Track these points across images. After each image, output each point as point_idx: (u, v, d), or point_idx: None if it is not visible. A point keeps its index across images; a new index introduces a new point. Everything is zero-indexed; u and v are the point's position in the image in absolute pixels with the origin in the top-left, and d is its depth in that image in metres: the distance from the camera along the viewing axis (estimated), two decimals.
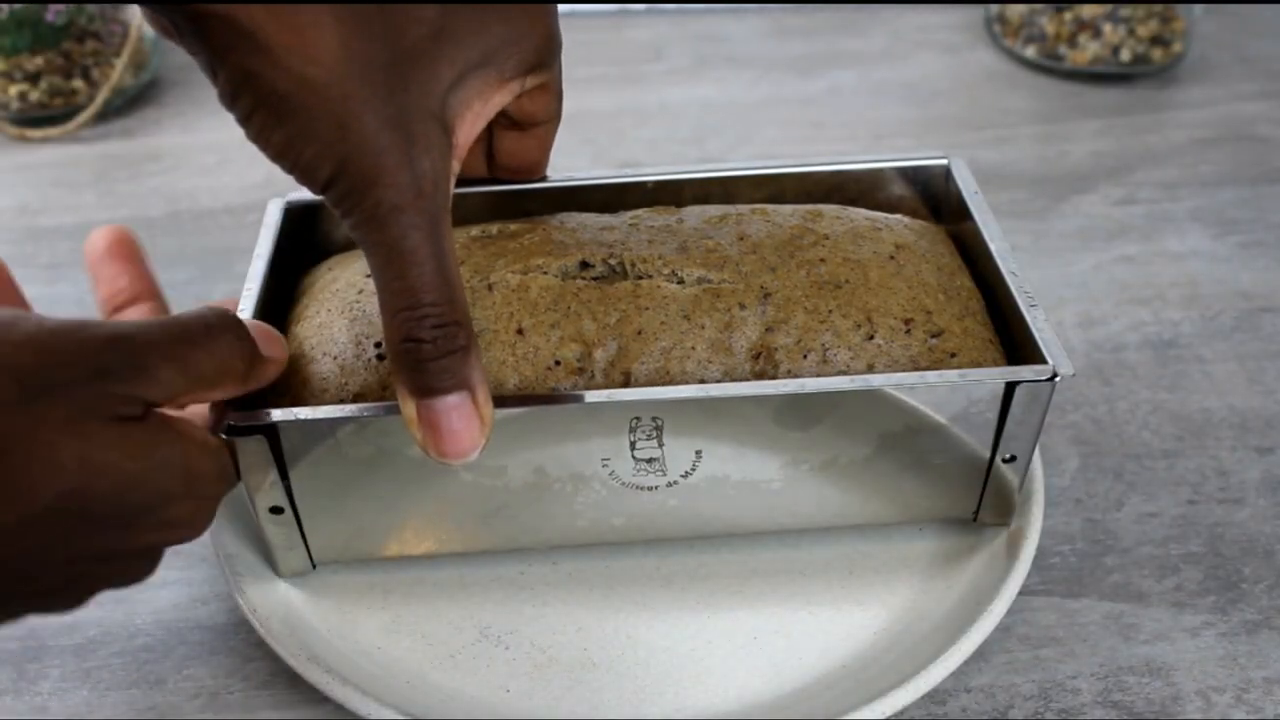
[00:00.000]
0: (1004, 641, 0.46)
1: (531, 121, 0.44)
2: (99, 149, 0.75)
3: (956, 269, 0.47)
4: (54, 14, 0.74)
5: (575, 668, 0.44)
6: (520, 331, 0.43)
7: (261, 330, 0.40)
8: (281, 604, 0.44)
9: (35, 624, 0.47)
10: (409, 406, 0.38)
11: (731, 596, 0.46)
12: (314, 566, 0.46)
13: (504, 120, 0.44)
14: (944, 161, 0.50)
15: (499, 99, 0.40)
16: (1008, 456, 0.44)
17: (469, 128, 0.39)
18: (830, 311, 0.43)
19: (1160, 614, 0.47)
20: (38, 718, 0.44)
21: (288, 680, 0.45)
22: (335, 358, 0.43)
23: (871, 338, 0.43)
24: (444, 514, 0.45)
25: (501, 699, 0.43)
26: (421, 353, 0.36)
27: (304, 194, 0.49)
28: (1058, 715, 0.43)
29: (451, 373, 0.37)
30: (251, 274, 0.45)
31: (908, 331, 0.44)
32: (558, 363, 0.43)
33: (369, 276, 0.45)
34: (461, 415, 0.38)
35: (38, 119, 0.76)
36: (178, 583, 0.48)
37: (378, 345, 0.43)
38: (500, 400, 0.41)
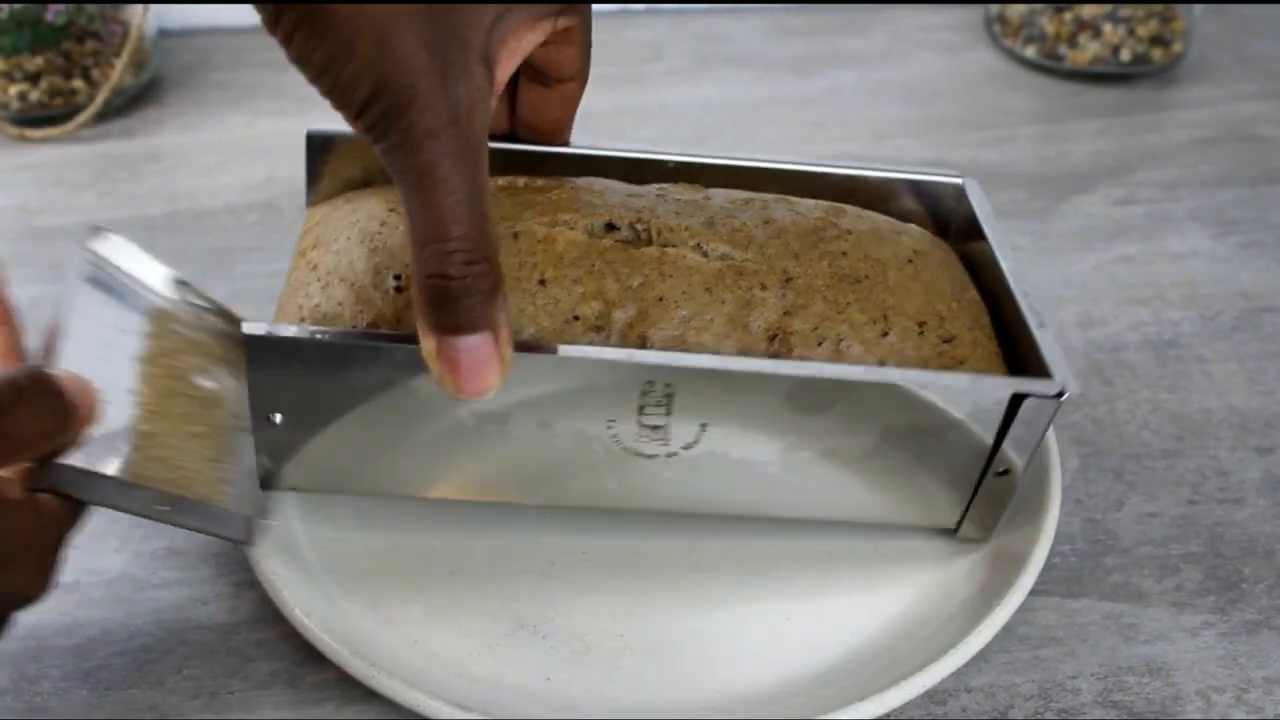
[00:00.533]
0: (1004, 641, 0.46)
1: (558, 75, 0.44)
2: (99, 149, 0.75)
3: (966, 283, 0.47)
4: (54, 14, 0.74)
5: (614, 654, 0.44)
6: (543, 282, 0.43)
7: (74, 383, 0.39)
8: (320, 600, 0.44)
9: (35, 623, 0.47)
10: (429, 341, 0.37)
11: (761, 579, 0.47)
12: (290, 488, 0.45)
13: (530, 73, 0.44)
14: (959, 181, 0.50)
15: (532, 38, 0.40)
16: (1001, 470, 0.44)
17: (505, 66, 0.39)
18: (849, 304, 0.44)
19: (1160, 614, 0.47)
20: (38, 718, 0.44)
21: (288, 680, 0.45)
22: (352, 284, 0.43)
23: (886, 335, 0.43)
24: (434, 459, 0.45)
25: (544, 687, 0.43)
26: (449, 290, 0.36)
27: (330, 129, 0.48)
28: (1058, 715, 0.44)
29: (477, 313, 0.37)
30: (66, 337, 0.42)
31: (920, 333, 0.44)
32: (576, 318, 0.43)
33: (392, 210, 0.45)
34: (482, 354, 0.37)
35: (38, 119, 0.76)
36: (178, 583, 0.48)
37: (397, 278, 0.43)
38: (520, 344, 0.41)
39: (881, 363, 0.43)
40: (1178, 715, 0.44)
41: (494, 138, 0.47)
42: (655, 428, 0.43)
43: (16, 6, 0.73)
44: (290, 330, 0.41)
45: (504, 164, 0.48)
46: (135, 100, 0.79)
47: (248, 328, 0.40)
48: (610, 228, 0.45)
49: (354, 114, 0.36)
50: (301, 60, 0.36)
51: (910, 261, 0.46)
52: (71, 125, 0.75)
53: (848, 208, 0.48)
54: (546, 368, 0.41)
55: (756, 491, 0.46)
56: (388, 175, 0.50)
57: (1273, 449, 0.54)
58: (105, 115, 0.77)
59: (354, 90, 0.35)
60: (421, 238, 0.36)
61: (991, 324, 0.46)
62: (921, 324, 0.44)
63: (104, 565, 0.49)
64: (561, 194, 0.46)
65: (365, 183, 0.50)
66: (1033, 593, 0.47)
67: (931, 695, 0.44)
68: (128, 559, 0.49)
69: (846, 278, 0.44)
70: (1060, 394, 0.42)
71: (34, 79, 0.75)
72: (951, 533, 0.47)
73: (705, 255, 0.44)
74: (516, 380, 0.41)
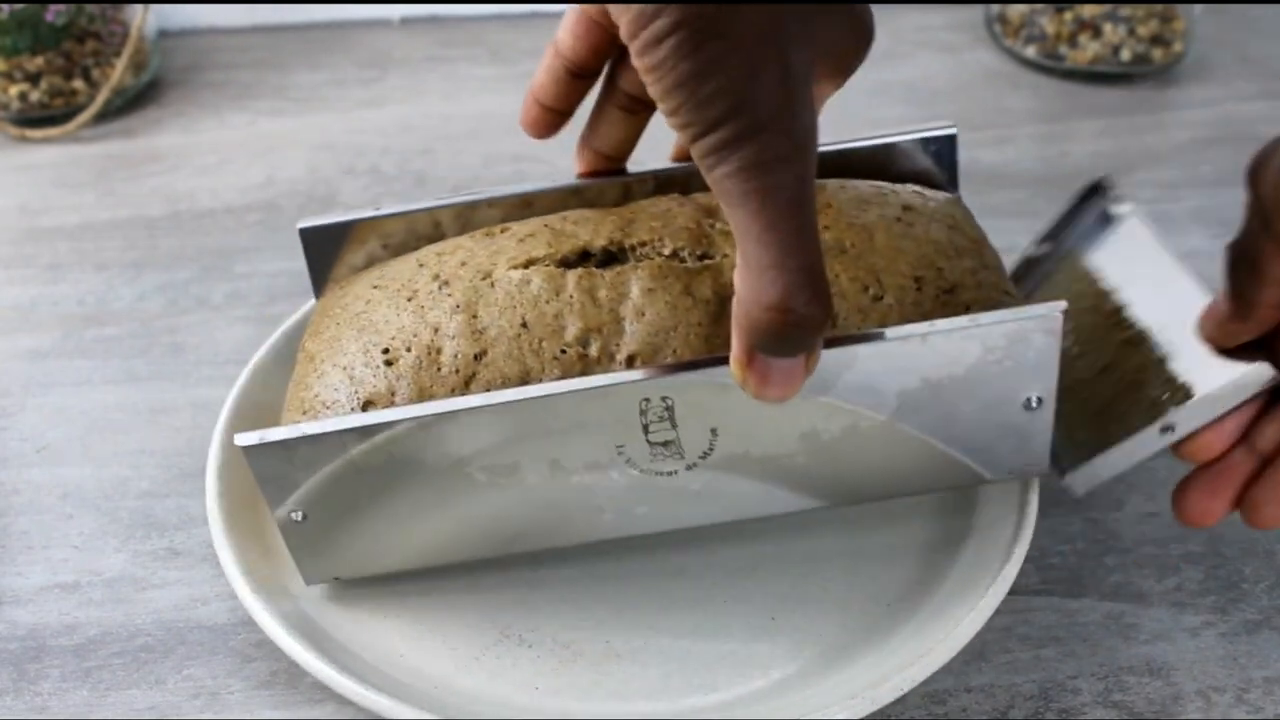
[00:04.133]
0: (1004, 641, 0.46)
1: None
2: (99, 149, 0.75)
3: (970, 226, 0.46)
4: (54, 14, 0.74)
5: (601, 660, 0.44)
6: (524, 324, 0.43)
7: None
8: (302, 617, 0.44)
9: (35, 624, 0.47)
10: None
11: (744, 580, 0.47)
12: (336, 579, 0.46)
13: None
14: (953, 130, 0.49)
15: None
16: (1033, 403, 0.43)
17: None
18: (837, 276, 0.43)
19: (1160, 614, 0.47)
20: (38, 718, 0.44)
21: (288, 680, 0.45)
22: (344, 367, 0.44)
23: (880, 299, 0.43)
24: (463, 521, 0.45)
25: (531, 696, 0.43)
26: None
27: (321, 219, 0.49)
28: (1058, 715, 0.44)
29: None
30: None
31: (918, 289, 0.43)
32: (563, 351, 0.43)
33: (375, 287, 0.46)
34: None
35: (38, 119, 0.76)
36: (178, 583, 0.48)
37: (385, 352, 0.44)
38: (501, 394, 0.41)
39: (880, 326, 0.42)
40: (1178, 715, 0.44)
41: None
42: (666, 443, 0.43)
43: (16, 6, 0.73)
44: (280, 434, 0.41)
45: (495, 212, 0.49)
46: (135, 100, 0.79)
47: (239, 440, 0.41)
48: (585, 255, 0.45)
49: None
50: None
51: (899, 219, 0.45)
52: (71, 125, 0.75)
53: (830, 181, 0.47)
54: (541, 410, 0.41)
55: (793, 486, 0.45)
56: (386, 256, 0.49)
57: None
58: (105, 115, 0.77)
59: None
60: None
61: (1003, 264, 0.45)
62: (918, 279, 0.43)
63: (104, 565, 0.49)
64: (534, 233, 0.46)
65: (369, 265, 0.50)
66: (1033, 593, 0.48)
67: (931, 695, 0.44)
68: (128, 559, 0.49)
69: (831, 249, 0.44)
70: (1065, 312, 0.41)
71: (34, 79, 0.75)
72: (1004, 476, 0.46)
73: (682, 260, 0.44)
74: (512, 429, 0.41)
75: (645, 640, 0.45)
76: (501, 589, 0.47)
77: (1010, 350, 0.42)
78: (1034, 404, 0.43)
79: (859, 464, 0.45)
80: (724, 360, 0.40)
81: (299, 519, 0.43)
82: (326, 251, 0.49)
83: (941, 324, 0.41)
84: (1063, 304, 0.41)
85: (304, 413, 0.44)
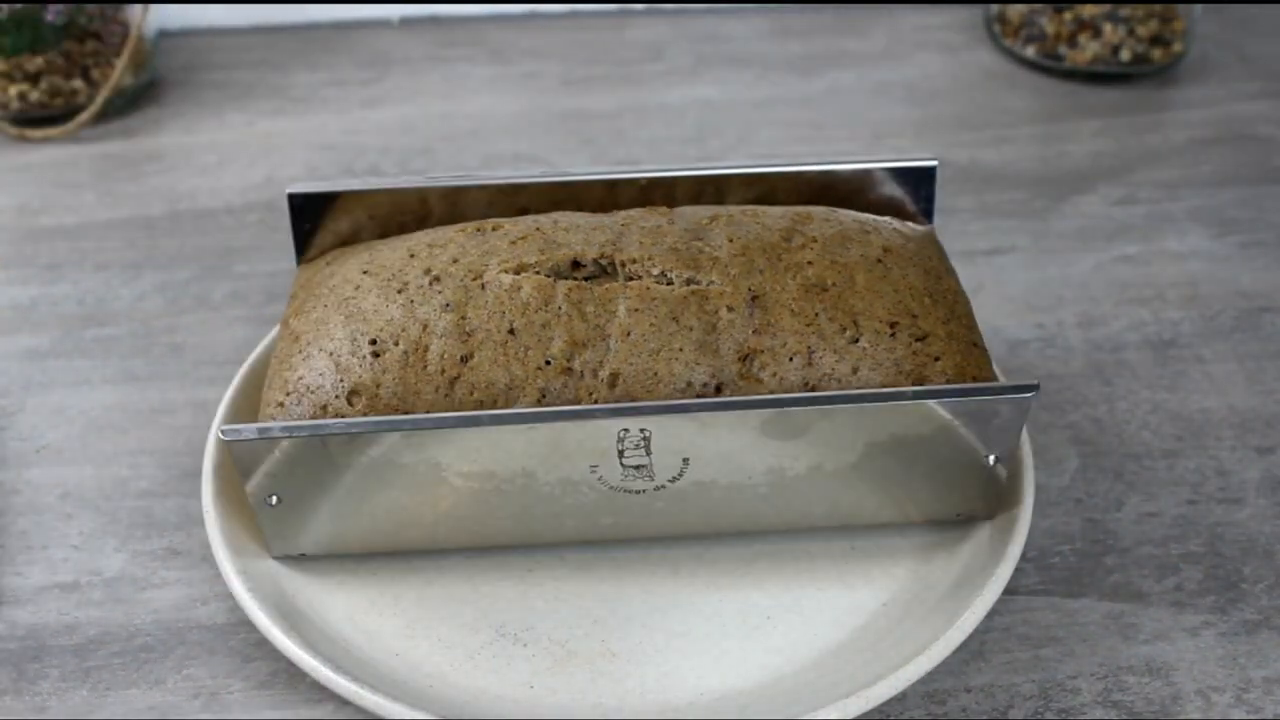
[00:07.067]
0: (1004, 641, 0.46)
1: None
2: (99, 149, 0.75)
3: (944, 272, 0.47)
4: (54, 14, 0.74)
5: (596, 659, 0.44)
6: (512, 331, 0.43)
7: None
8: (299, 615, 0.44)
9: (35, 624, 0.47)
10: None
11: (739, 579, 0.47)
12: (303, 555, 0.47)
13: None
14: (933, 162, 0.51)
15: None
16: (991, 459, 0.44)
17: None
18: (817, 314, 0.44)
19: (1160, 614, 0.47)
20: (38, 718, 0.44)
21: (288, 680, 0.45)
22: (331, 353, 0.44)
23: (856, 340, 0.44)
24: (425, 510, 0.45)
25: (527, 695, 0.43)
26: None
27: (310, 185, 0.50)
28: (1058, 715, 0.44)
29: None
30: None
31: (893, 335, 0.44)
32: (548, 362, 0.43)
33: (365, 273, 0.46)
34: None
35: (38, 119, 0.76)
36: (178, 583, 0.48)
37: (372, 343, 0.44)
38: (485, 414, 0.42)
39: (854, 370, 0.44)
40: (1178, 715, 0.44)
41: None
42: (638, 467, 0.43)
43: (16, 6, 0.73)
44: (267, 429, 0.42)
45: (483, 202, 0.49)
46: (135, 100, 0.79)
47: (224, 433, 0.42)
48: (576, 265, 0.45)
49: None
50: None
51: (879, 261, 0.46)
52: (71, 125, 0.75)
53: (816, 211, 0.48)
54: (520, 432, 0.42)
55: (753, 509, 0.46)
56: (372, 229, 0.51)
57: (1273, 449, 0.54)
58: (105, 115, 0.77)
59: None
60: None
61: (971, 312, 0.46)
62: (893, 324, 0.44)
63: (104, 565, 0.49)
64: (526, 235, 0.46)
65: (354, 236, 0.50)
66: (1033, 593, 0.48)
67: (931, 695, 0.44)
68: (128, 559, 0.49)
69: (813, 287, 0.45)
70: (1033, 391, 0.42)
71: (34, 79, 0.75)
72: (955, 519, 0.47)
73: (670, 283, 0.45)
74: (491, 441, 0.42)
75: (641, 639, 0.45)
76: (497, 588, 0.47)
77: (978, 417, 0.43)
78: (992, 462, 0.44)
79: (819, 498, 0.46)
80: (708, 402, 0.42)
81: (274, 503, 0.44)
82: (313, 218, 0.50)
83: (919, 390, 0.42)
84: (1035, 384, 0.43)
85: (287, 394, 0.44)
